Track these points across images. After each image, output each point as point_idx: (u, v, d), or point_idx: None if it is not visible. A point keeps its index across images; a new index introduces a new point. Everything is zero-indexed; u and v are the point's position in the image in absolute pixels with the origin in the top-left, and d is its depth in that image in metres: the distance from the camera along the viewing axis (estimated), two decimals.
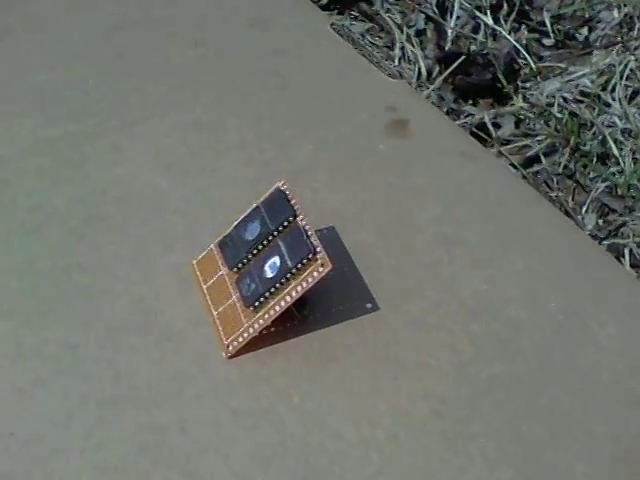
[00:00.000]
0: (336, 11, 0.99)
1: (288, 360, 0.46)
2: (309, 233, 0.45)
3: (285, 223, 0.46)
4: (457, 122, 0.86)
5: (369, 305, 0.49)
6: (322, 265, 0.44)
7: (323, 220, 0.54)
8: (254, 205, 0.49)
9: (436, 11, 0.97)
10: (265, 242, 0.47)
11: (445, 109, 0.89)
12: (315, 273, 0.44)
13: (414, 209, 0.55)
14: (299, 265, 0.44)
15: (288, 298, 0.45)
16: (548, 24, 0.93)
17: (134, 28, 0.70)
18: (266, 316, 0.45)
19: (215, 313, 0.48)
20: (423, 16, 0.97)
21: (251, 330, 0.46)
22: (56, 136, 0.60)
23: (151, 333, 0.48)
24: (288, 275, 0.45)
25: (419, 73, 0.92)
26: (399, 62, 0.92)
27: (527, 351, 0.46)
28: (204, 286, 0.49)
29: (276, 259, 0.45)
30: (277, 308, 0.45)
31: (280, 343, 0.47)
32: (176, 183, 0.57)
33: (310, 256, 0.44)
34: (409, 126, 0.62)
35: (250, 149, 0.59)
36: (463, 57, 0.83)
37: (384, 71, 0.67)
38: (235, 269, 0.48)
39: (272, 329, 0.48)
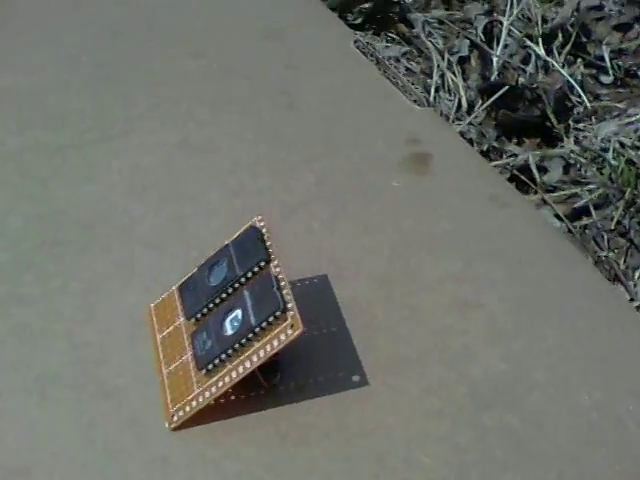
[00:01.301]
0: (371, 31, 0.91)
1: (246, 440, 0.38)
2: (282, 284, 0.37)
3: (255, 269, 0.38)
4: (498, 162, 0.77)
5: (356, 378, 0.40)
6: (292, 326, 0.35)
7: (315, 267, 0.45)
8: (225, 243, 0.40)
9: (482, 38, 0.88)
10: (230, 290, 0.38)
11: (485, 147, 0.80)
12: (282, 335, 0.35)
13: (426, 262, 0.46)
14: (264, 323, 0.36)
15: (248, 364, 0.36)
16: (607, 59, 0.84)
17: (132, 33, 0.63)
18: (220, 383, 0.37)
19: (165, 372, 0.40)
20: (468, 42, 0.88)
21: (201, 399, 0.37)
22: (25, 145, 0.53)
23: (86, 388, 0.40)
24: (250, 335, 0.36)
25: (459, 105, 0.83)
26: (437, 91, 0.83)
27: (548, 458, 0.37)
28: (158, 336, 0.41)
29: (238, 313, 0.37)
30: (234, 375, 0.36)
31: (239, 417, 0.38)
32: (149, 209, 0.49)
33: (278, 313, 0.36)
34: (432, 162, 0.53)
35: (242, 175, 0.51)
36: (507, 88, 0.74)
37: (410, 97, 0.58)
38: (193, 320, 0.39)
39: (232, 397, 0.39)
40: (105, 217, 0.48)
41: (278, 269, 0.37)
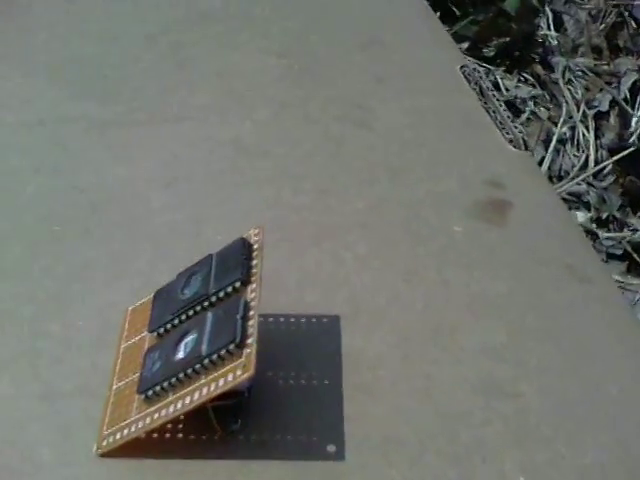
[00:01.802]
0: (503, 67, 0.83)
1: None
2: (250, 313, 0.30)
3: (229, 289, 0.31)
4: (613, 234, 0.67)
5: (332, 448, 0.33)
6: (243, 367, 0.29)
7: (331, 304, 0.38)
8: (210, 254, 0.34)
9: (627, 95, 0.78)
10: (198, 308, 0.32)
11: (604, 215, 0.69)
12: (230, 376, 0.29)
13: (463, 327, 0.38)
14: (215, 356, 0.29)
15: (188, 400, 0.30)
16: None
17: (221, 19, 0.59)
18: (156, 415, 0.31)
19: (114, 387, 0.34)
20: (610, 97, 0.78)
21: (133, 428, 0.31)
22: (68, 114, 0.50)
23: (26, 384, 0.35)
24: (198, 366, 0.30)
25: (585, 162, 0.74)
26: (561, 143, 0.74)
27: None
28: (122, 345, 0.36)
29: (194, 337, 0.30)
30: (172, 409, 0.30)
31: (180, 460, 0.32)
32: (169, 205, 0.44)
33: (232, 347, 0.29)
34: (510, 212, 0.45)
35: (283, 187, 0.45)
36: (634, 149, 0.63)
37: (506, 135, 0.50)
38: (156, 334, 0.33)
39: (179, 435, 0.33)
40: (120, 203, 0.44)
41: (254, 295, 0.31)
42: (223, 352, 0.29)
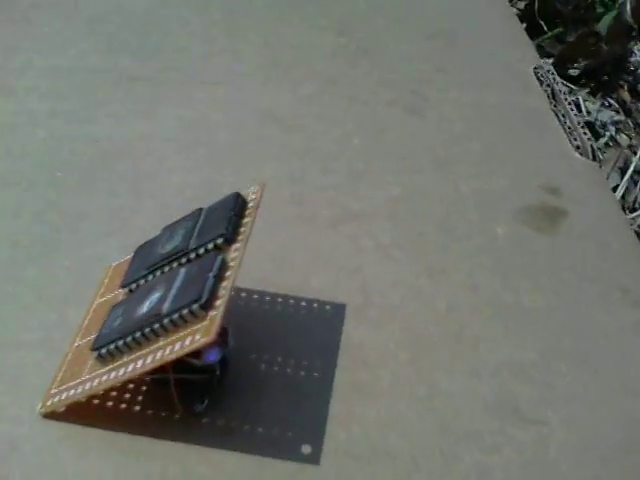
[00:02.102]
0: (587, 89, 0.77)
1: (119, 464, 0.27)
2: (226, 274, 0.26)
3: (210, 246, 0.27)
4: None
5: (306, 449, 0.28)
6: (204, 331, 0.24)
7: (339, 292, 0.34)
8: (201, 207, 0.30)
9: None
10: (175, 264, 0.28)
11: None
12: (188, 339, 0.25)
13: (487, 338, 0.33)
14: (176, 316, 0.25)
15: (140, 363, 0.26)
16: None
17: None
18: (106, 377, 0.27)
19: (75, 344, 0.30)
20: None
21: (80, 389, 0.27)
22: (101, 65, 0.47)
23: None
24: (156, 326, 0.25)
25: None
26: (638, 173, 0.68)
27: None
28: (96, 301, 0.32)
29: (160, 294, 0.26)
30: (121, 372, 0.26)
31: (130, 435, 0.28)
32: (184, 168, 0.41)
33: (195, 308, 0.25)
34: (563, 222, 0.39)
35: (311, 165, 0.42)
36: None
37: (573, 141, 0.45)
38: (128, 290, 0.30)
39: (136, 408, 0.29)
40: (132, 159, 0.40)
41: (236, 254, 0.26)
42: (185, 312, 0.25)
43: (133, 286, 0.29)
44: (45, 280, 0.34)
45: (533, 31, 0.82)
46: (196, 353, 0.27)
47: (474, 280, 0.36)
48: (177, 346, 0.25)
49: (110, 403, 0.29)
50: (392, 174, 0.41)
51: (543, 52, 0.79)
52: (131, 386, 0.30)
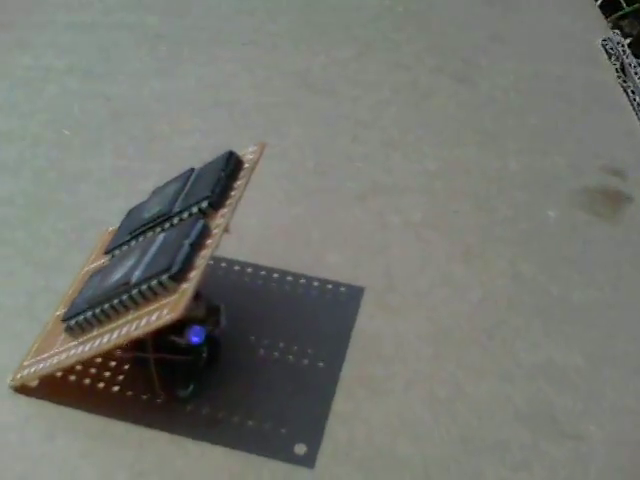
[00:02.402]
0: None
1: (92, 448, 0.24)
2: (207, 242, 0.22)
3: (194, 209, 0.24)
4: None
5: (300, 449, 0.25)
6: (172, 308, 0.21)
7: (359, 274, 0.30)
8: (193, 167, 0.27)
9: None
10: (158, 229, 0.25)
11: None
12: (154, 315, 0.21)
13: (526, 334, 0.29)
14: (144, 287, 0.22)
15: (105, 339, 0.22)
16: None
17: None
18: (73, 351, 0.23)
19: (57, 313, 0.27)
20: None
21: (48, 363, 0.24)
22: (124, 23, 0.44)
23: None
24: (124, 297, 0.22)
25: None
26: None
27: None
28: (85, 268, 0.29)
29: (133, 262, 0.23)
30: (87, 348, 0.23)
31: (104, 419, 0.25)
32: (202, 125, 0.38)
33: (165, 279, 0.21)
34: (627, 208, 0.35)
35: (339, 132, 0.37)
36: None
37: None
38: (111, 256, 0.26)
39: (114, 389, 0.26)
40: (145, 119, 0.38)
41: (221, 221, 0.23)
42: (154, 283, 0.21)
43: (116, 252, 0.26)
44: (35, 243, 0.31)
45: (610, 7, 0.75)
46: (178, 330, 0.24)
47: (516, 268, 0.31)
48: (143, 321, 0.21)
49: (87, 381, 0.26)
50: (430, 146, 0.37)
51: (623, 33, 0.73)
52: (112, 364, 0.26)
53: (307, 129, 0.37)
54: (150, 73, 0.40)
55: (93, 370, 0.26)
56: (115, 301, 0.22)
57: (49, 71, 0.40)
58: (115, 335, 0.22)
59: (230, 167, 0.24)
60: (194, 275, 0.21)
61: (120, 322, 0.23)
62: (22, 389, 0.26)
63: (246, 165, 0.25)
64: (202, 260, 0.22)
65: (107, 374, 0.26)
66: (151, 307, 0.22)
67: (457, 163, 0.36)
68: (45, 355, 0.25)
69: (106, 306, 0.23)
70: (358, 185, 0.34)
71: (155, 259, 0.22)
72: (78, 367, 0.26)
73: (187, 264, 0.21)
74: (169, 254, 0.22)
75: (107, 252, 0.27)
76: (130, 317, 0.22)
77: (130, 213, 0.28)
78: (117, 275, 0.23)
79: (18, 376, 0.26)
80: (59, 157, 0.35)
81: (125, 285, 0.22)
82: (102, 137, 0.36)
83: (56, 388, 0.26)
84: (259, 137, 0.36)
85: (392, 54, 0.43)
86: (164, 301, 0.21)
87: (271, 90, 0.40)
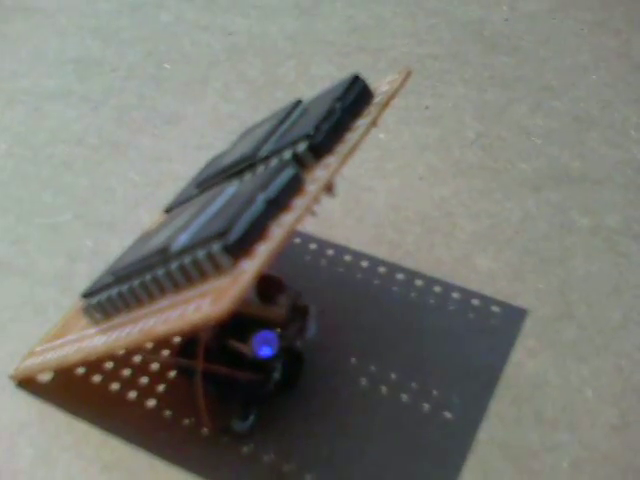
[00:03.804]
0: None
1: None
2: (296, 203, 0.15)
3: (286, 153, 0.16)
4: None
5: None
6: (217, 298, 0.13)
7: (531, 291, 0.22)
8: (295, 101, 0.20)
9: None
10: (233, 179, 0.18)
11: None
12: (192, 305, 0.14)
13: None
14: (187, 259, 0.14)
15: (127, 330, 0.15)
16: None
17: None
18: (86, 343, 0.17)
19: None
20: None
21: (56, 354, 0.18)
22: None
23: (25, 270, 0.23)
24: (160, 271, 0.15)
25: None
26: None
27: None
28: (148, 229, 0.22)
29: (181, 221, 0.16)
30: (102, 340, 0.16)
31: (122, 445, 0.18)
32: (336, 73, 0.30)
33: (215, 249, 0.14)
34: None
35: (515, 105, 0.29)
36: None
37: None
38: (168, 214, 0.20)
39: (150, 403, 0.19)
40: (267, 62, 0.31)
41: (323, 173, 0.15)
42: (201, 255, 0.14)
43: (175, 209, 0.19)
44: (96, 194, 0.25)
45: None
46: (243, 335, 0.17)
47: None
48: (175, 313, 0.14)
49: (116, 386, 0.19)
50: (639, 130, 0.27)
51: None
52: (155, 368, 0.19)
53: (473, 90, 0.29)
54: (286, 8, 0.33)
55: (126, 372, 0.19)
56: (147, 277, 0.15)
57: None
58: (138, 329, 0.15)
59: (351, 97, 0.16)
60: (264, 250, 0.13)
61: (151, 309, 0.15)
62: (28, 384, 0.19)
63: (376, 99, 0.17)
64: (281, 229, 0.14)
65: (144, 380, 0.19)
66: (192, 292, 0.14)
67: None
68: (59, 342, 0.18)
69: (136, 283, 0.16)
70: (534, 169, 0.26)
71: (211, 220, 0.15)
72: (109, 365, 0.19)
73: (254, 232, 0.14)
74: (230, 214, 0.14)
75: (168, 210, 0.20)
76: (165, 303, 0.15)
77: (212, 161, 0.21)
78: (158, 240, 0.16)
79: (22, 366, 0.19)
80: (152, 94, 0.29)
81: (162, 253, 0.15)
82: (209, 76, 0.30)
83: (72, 389, 0.19)
84: (409, 93, 0.29)
85: (597, 14, 0.33)
86: (213, 285, 0.14)
87: (434, 40, 0.32)
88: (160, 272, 0.16)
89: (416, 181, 0.25)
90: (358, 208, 0.23)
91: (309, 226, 0.22)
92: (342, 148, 0.16)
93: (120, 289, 0.18)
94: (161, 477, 0.18)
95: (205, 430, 0.18)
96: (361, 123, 0.16)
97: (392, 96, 0.18)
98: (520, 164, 0.27)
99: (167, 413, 0.18)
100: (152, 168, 0.26)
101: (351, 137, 0.16)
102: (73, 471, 0.18)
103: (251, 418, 0.18)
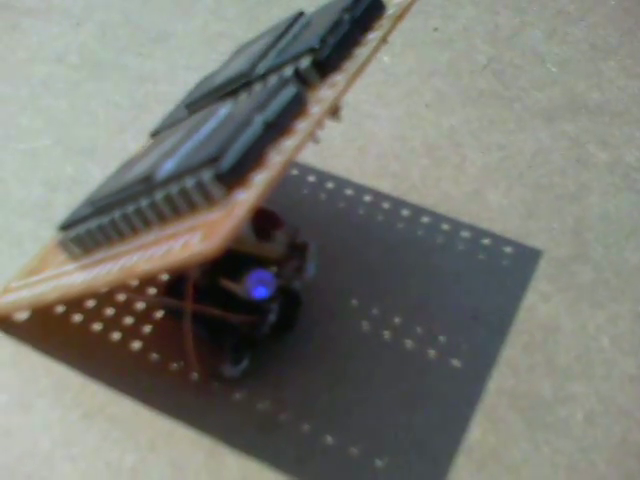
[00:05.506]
0: None
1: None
2: (297, 126, 0.13)
3: (287, 70, 0.14)
4: None
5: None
6: (208, 233, 0.11)
7: (545, 231, 0.20)
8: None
9: None
10: (225, 99, 0.15)
11: None
12: (179, 241, 0.12)
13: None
14: (174, 188, 0.12)
15: (108, 267, 0.13)
16: None
17: None
18: (65, 280, 0.15)
19: None
20: None
21: (33, 291, 0.16)
22: None
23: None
24: (144, 201, 0.13)
25: None
26: None
27: None
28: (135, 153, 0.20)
29: (168, 148, 0.14)
30: (80, 278, 0.14)
31: (104, 389, 0.16)
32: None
33: (206, 177, 0.12)
34: None
35: (532, 26, 0.26)
36: None
37: None
38: (154, 138, 0.18)
39: (134, 345, 0.17)
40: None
41: (329, 93, 0.13)
42: (190, 183, 0.12)
43: (161, 133, 0.17)
44: (77, 117, 0.23)
45: None
46: (235, 272, 0.15)
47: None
48: (160, 250, 0.12)
49: (98, 326, 0.17)
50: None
51: None
52: (140, 307, 0.18)
53: (485, 12, 0.27)
54: None
55: (109, 312, 0.18)
56: (130, 208, 0.13)
57: None
58: (119, 264, 0.13)
59: (361, 8, 0.14)
60: (261, 180, 0.12)
61: (133, 244, 0.14)
62: (1, 323, 0.17)
63: (389, 11, 0.15)
64: (280, 156, 0.12)
65: (128, 321, 0.18)
66: (180, 226, 0.13)
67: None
68: (36, 278, 0.17)
69: (117, 214, 0.14)
70: (549, 98, 0.24)
71: (201, 144, 0.13)
72: (90, 303, 0.18)
73: (250, 158, 0.12)
74: (223, 138, 0.12)
75: (154, 134, 0.18)
76: (148, 239, 0.13)
77: (202, 82, 0.19)
78: (141, 167, 0.14)
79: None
80: (138, 10, 0.26)
81: (146, 182, 0.13)
82: None
83: (50, 329, 0.17)
84: (417, 13, 0.26)
85: None
86: (204, 218, 0.12)
87: None
88: (144, 203, 0.15)
89: (422, 109, 0.23)
90: (360, 137, 0.21)
91: (307, 156, 0.21)
92: (350, 65, 0.14)
93: (100, 221, 0.16)
94: (146, 425, 0.17)
95: (194, 375, 0.16)
96: (372, 37, 0.15)
97: (407, 8, 0.16)
98: (534, 93, 0.25)
99: (153, 356, 0.17)
100: (137, 90, 0.23)
101: (360, 53, 0.14)
102: (50, 418, 0.16)
103: (244, 363, 0.17)
